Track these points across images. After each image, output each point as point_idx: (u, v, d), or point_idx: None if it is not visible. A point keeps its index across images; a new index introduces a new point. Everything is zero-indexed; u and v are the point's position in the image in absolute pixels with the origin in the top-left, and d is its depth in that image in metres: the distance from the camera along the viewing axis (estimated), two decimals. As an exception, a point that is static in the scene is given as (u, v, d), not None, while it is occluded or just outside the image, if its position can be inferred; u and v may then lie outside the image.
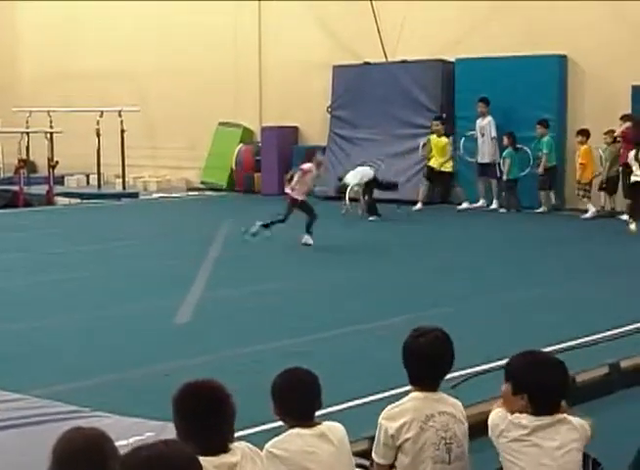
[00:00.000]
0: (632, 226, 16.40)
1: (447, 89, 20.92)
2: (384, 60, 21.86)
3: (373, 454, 4.71)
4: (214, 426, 3.84)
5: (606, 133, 18.67)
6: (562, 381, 4.51)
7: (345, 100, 22.27)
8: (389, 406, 4.71)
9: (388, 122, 21.35)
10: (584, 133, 18.85)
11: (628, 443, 4.76)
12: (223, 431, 3.87)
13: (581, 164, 18.80)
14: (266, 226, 14.95)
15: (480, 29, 20.48)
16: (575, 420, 4.45)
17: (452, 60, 20.77)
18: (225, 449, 3.87)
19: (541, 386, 4.40)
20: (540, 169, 19.25)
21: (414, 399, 4.68)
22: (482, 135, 19.96)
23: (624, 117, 18.18)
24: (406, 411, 4.62)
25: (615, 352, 8.27)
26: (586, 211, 18.42)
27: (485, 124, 19.90)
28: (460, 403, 4.79)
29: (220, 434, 3.86)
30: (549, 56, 19.44)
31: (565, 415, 4.44)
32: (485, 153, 20.00)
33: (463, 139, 20.52)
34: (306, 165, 15.16)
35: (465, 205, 19.95)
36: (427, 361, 4.69)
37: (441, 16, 20.95)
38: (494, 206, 19.82)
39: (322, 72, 22.39)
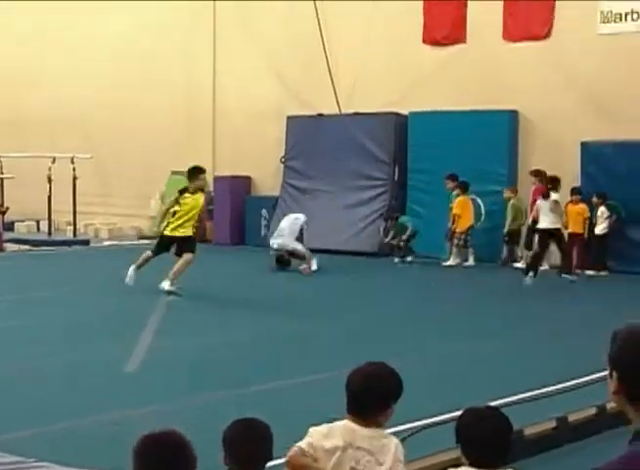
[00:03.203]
0: (528, 279, 16.42)
1: (400, 142, 21.11)
2: (337, 112, 22.04)
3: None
4: None
5: (508, 189, 19.02)
6: (494, 434, 4.21)
7: (299, 151, 22.40)
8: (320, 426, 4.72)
9: (341, 174, 21.49)
10: (462, 185, 19.09)
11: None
12: None
13: (456, 214, 19.03)
14: None
15: (434, 83, 20.75)
16: None
17: (405, 113, 20.99)
18: None
19: (471, 438, 4.21)
20: (449, 224, 19.36)
21: (343, 426, 4.66)
22: None
23: (534, 173, 18.46)
24: (335, 432, 4.64)
25: (562, 405, 8.30)
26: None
27: None
28: (395, 447, 4.64)
29: None
30: (500, 111, 19.73)
31: None
32: None
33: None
34: None
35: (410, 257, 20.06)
36: (358, 392, 4.64)
37: (395, 69, 21.22)
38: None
39: (276, 123, 22.52)
